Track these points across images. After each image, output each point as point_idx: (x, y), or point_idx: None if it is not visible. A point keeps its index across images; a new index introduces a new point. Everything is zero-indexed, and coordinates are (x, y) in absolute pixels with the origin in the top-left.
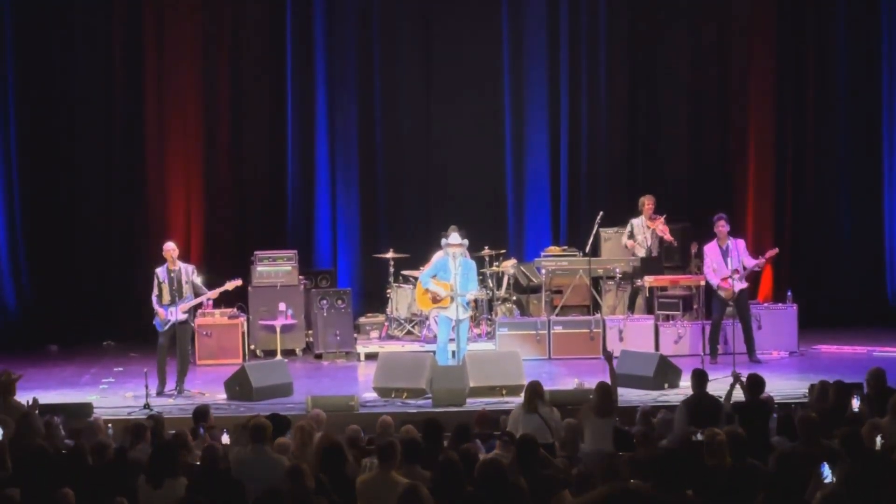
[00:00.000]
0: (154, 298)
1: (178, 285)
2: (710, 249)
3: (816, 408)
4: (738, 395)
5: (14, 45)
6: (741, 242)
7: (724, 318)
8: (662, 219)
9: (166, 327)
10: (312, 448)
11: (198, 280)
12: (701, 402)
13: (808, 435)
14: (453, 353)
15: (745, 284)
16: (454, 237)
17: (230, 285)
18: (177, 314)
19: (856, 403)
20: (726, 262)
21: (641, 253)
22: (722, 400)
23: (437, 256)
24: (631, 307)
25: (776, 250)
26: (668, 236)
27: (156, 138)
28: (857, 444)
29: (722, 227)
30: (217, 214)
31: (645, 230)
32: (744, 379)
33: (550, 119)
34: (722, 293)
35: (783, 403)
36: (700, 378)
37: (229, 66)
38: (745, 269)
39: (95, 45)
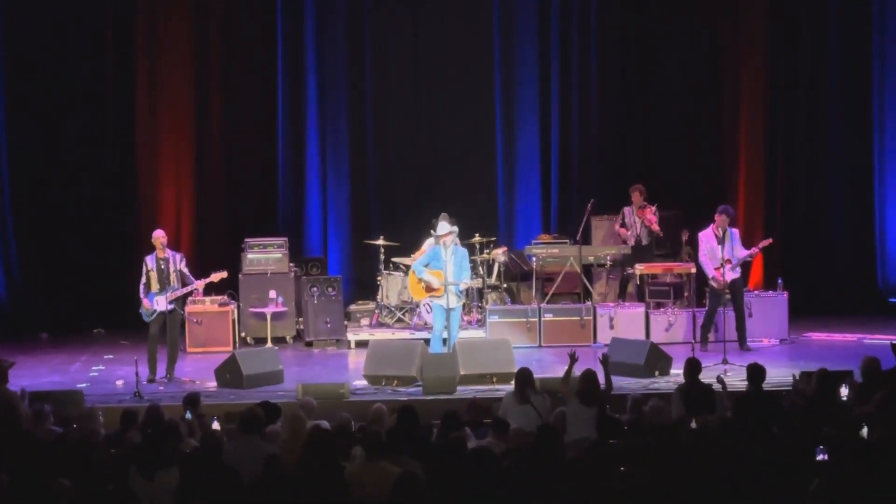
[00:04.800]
0: (141, 287)
1: (166, 273)
2: (706, 236)
3: (806, 396)
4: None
5: (5, 29)
6: (736, 232)
7: (719, 306)
8: (653, 208)
9: (152, 317)
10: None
11: (186, 269)
12: (694, 391)
13: (797, 423)
14: (445, 341)
15: (737, 274)
16: (442, 226)
17: (215, 277)
18: (163, 304)
19: (844, 392)
20: (722, 249)
21: (630, 242)
22: (714, 388)
23: (429, 244)
24: (622, 295)
25: (770, 240)
26: (655, 226)
27: (146, 126)
28: (845, 434)
29: (722, 220)
30: (207, 202)
31: (634, 219)
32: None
33: (541, 106)
34: (714, 284)
35: (773, 391)
36: (693, 367)
37: (220, 54)
38: (737, 259)
39: (86, 31)
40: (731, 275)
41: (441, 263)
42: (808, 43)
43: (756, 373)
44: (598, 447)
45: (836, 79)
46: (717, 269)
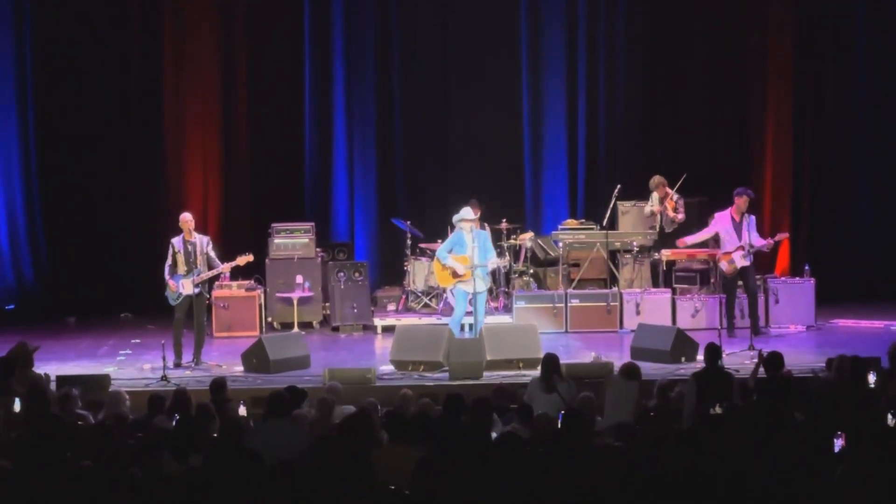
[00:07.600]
0: (167, 269)
1: (193, 256)
2: (723, 218)
3: (833, 382)
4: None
5: (32, 16)
6: (753, 219)
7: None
8: (674, 198)
9: (178, 300)
10: (331, 420)
11: (212, 252)
12: (712, 377)
13: (822, 409)
14: (468, 326)
15: (748, 262)
16: (466, 211)
17: (241, 260)
18: (189, 287)
19: (872, 379)
20: (738, 235)
21: (654, 232)
22: (733, 374)
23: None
24: (655, 281)
25: (786, 235)
26: (679, 216)
27: (173, 110)
28: (872, 420)
29: (743, 202)
30: (234, 187)
31: (661, 206)
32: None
33: (568, 90)
34: (723, 267)
35: (800, 378)
36: (713, 352)
37: (247, 39)
38: (752, 246)
39: (114, 17)
40: (743, 262)
41: (465, 248)
42: (835, 20)
43: (773, 361)
44: (627, 433)
45: (865, 61)
46: (725, 254)
